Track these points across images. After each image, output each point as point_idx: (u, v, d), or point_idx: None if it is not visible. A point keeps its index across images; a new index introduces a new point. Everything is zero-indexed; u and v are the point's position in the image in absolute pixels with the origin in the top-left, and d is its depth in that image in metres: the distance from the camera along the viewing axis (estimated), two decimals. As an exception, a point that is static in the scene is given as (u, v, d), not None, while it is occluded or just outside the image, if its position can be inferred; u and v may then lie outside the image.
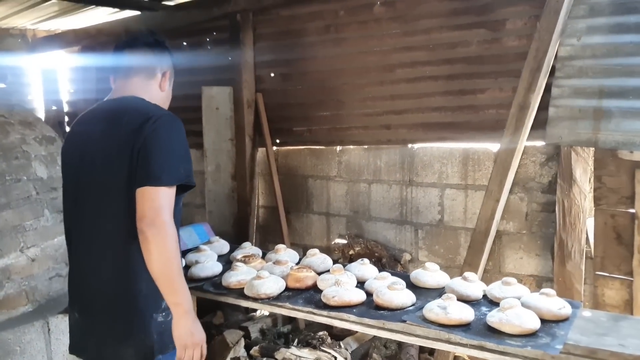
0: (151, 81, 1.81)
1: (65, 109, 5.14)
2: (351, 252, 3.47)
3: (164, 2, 4.06)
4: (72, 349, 1.79)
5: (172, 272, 1.56)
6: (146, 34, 1.86)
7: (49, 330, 2.34)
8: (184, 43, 4.24)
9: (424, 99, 3.23)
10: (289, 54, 3.75)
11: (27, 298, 2.46)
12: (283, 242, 3.87)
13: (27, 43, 4.87)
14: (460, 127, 3.14)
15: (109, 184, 1.63)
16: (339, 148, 3.68)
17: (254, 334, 3.45)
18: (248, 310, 3.83)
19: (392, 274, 2.09)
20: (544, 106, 2.75)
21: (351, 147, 3.62)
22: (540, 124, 2.78)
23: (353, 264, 2.23)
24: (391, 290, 1.85)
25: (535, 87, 2.70)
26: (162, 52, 1.86)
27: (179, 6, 4.06)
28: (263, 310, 3.84)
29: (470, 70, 3.05)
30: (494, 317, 1.60)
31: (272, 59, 3.84)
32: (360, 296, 1.92)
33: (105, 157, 1.64)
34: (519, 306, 1.59)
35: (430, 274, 2.03)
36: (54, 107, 5.08)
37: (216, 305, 3.69)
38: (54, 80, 5.01)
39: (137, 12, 4.25)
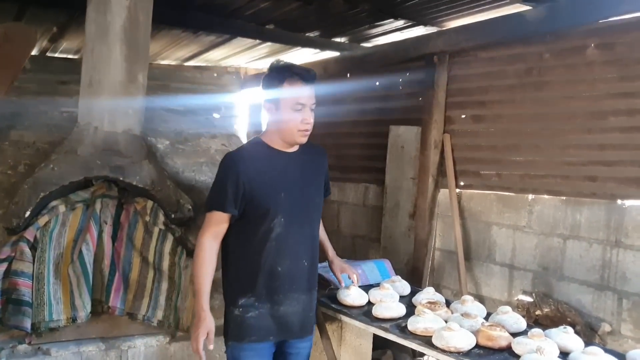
0: None
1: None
2: (538, 312, 3.16)
3: (362, 44, 4.27)
4: None
5: None
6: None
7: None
8: (377, 83, 4.38)
9: (643, 151, 2.85)
10: (483, 95, 3.65)
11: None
12: (459, 289, 3.70)
13: (240, 80, 5.53)
14: (690, 187, 2.69)
15: None
16: (531, 196, 3.42)
17: (423, 381, 3.32)
18: (415, 354, 3.72)
19: (605, 351, 1.83)
20: None
21: (546, 196, 3.34)
22: None
23: (554, 330, 2.01)
24: (608, 372, 1.62)
25: None
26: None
27: (376, 47, 4.24)
28: (431, 357, 3.70)
29: None
30: None
31: (465, 100, 3.76)
32: (566, 371, 1.72)
33: None
34: None
35: (656, 360, 1.73)
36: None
37: (385, 344, 3.65)
38: (257, 113, 5.60)
39: (337, 53, 4.54)
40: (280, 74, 1.98)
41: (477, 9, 3.55)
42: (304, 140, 2.03)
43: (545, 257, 3.32)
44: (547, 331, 2.02)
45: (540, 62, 3.30)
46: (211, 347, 1.95)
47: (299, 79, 1.95)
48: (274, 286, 2.00)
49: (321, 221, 2.38)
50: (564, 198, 3.23)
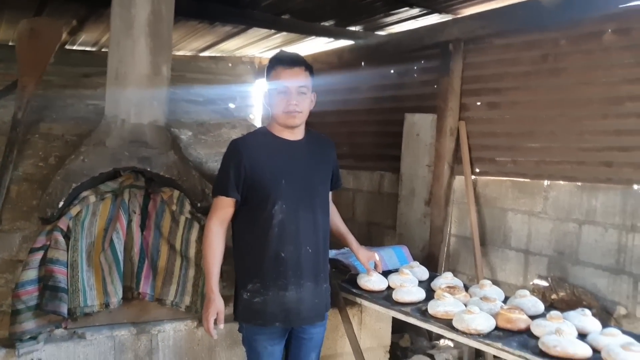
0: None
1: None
2: (553, 296, 3.22)
3: (376, 32, 4.29)
4: None
5: None
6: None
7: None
8: (392, 71, 4.41)
9: (659, 137, 2.88)
10: (498, 82, 3.67)
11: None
12: (475, 274, 3.76)
13: (254, 69, 5.56)
14: None
15: None
16: (546, 182, 3.46)
17: (440, 364, 3.40)
18: (432, 338, 3.80)
19: (623, 332, 1.89)
20: None
21: (561, 182, 3.37)
22: None
23: (572, 312, 2.08)
24: (626, 351, 1.68)
25: None
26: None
27: (391, 35, 4.25)
28: (448, 341, 3.78)
29: None
30: None
31: (480, 87, 3.79)
32: (585, 350, 1.78)
33: None
34: None
35: (673, 340, 1.79)
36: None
37: (402, 328, 3.73)
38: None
39: (351, 42, 4.56)
40: (269, 65, 2.12)
41: (492, -4, 3.56)
42: (294, 122, 2.09)
43: (561, 242, 3.37)
44: (565, 314, 2.09)
45: (557, 49, 3.31)
46: (221, 326, 2.06)
47: (281, 64, 2.08)
48: (279, 271, 2.07)
49: (338, 214, 2.48)
50: (580, 184, 3.27)
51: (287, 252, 2.07)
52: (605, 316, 3.07)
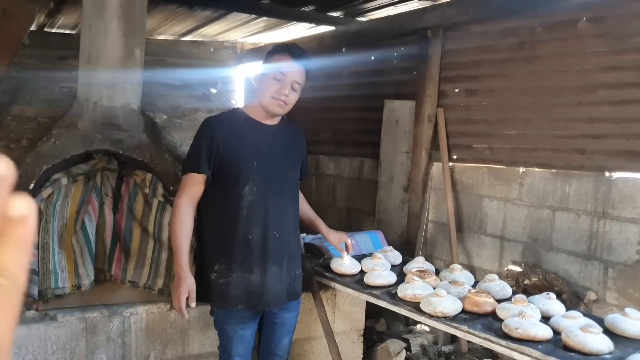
0: None
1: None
2: (526, 281, 3.27)
3: (357, 18, 4.28)
4: None
5: None
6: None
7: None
8: (372, 57, 4.41)
9: (630, 124, 2.91)
10: (476, 69, 3.68)
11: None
12: (451, 260, 3.80)
13: (236, 54, 5.52)
14: (674, 159, 2.76)
15: None
16: (522, 169, 3.50)
17: (415, 348, 3.45)
18: (408, 323, 3.84)
19: (584, 315, 1.93)
20: None
21: (536, 169, 3.41)
22: None
23: (537, 296, 2.12)
24: (584, 333, 1.72)
25: None
26: None
27: (371, 22, 4.24)
28: (424, 326, 3.83)
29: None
30: None
31: (458, 74, 3.80)
32: (546, 332, 1.82)
33: None
34: None
35: (631, 322, 1.83)
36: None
37: (379, 313, 3.77)
38: (253, 87, 5.62)
39: (331, 27, 4.54)
40: (274, 49, 2.14)
41: (471, -17, 3.56)
42: (279, 110, 2.10)
43: (535, 228, 3.41)
44: (530, 297, 2.12)
45: (533, 36, 3.33)
46: (193, 304, 2.03)
47: (287, 53, 2.08)
48: (245, 253, 2.06)
49: (306, 201, 2.49)
50: (554, 170, 3.31)
51: (255, 235, 2.07)
52: (576, 301, 3.13)
